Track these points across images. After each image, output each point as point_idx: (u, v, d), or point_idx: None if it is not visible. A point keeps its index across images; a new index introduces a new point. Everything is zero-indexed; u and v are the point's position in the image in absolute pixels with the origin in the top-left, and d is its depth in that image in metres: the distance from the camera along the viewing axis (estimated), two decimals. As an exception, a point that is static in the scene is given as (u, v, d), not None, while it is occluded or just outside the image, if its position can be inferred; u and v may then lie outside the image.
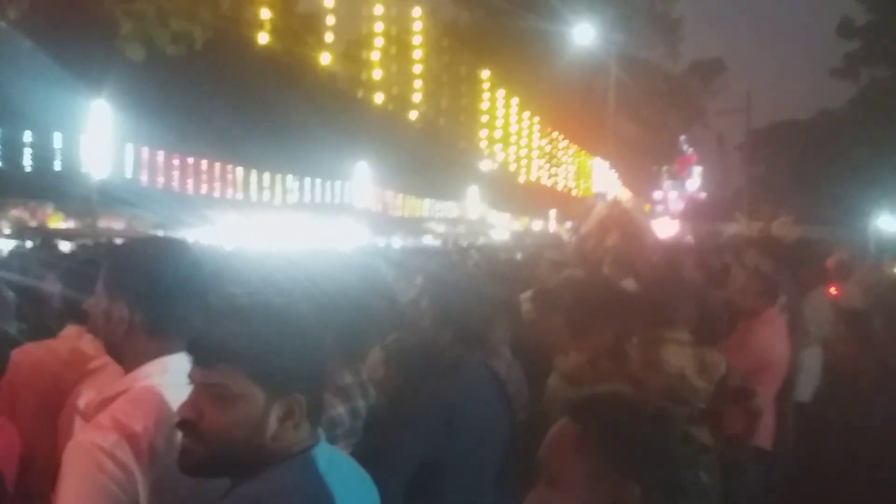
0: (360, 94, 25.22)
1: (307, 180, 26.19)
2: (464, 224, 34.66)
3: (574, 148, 42.63)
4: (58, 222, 19.51)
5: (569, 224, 14.42)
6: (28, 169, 17.96)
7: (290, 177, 25.40)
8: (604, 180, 32.81)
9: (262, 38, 19.00)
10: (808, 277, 5.99)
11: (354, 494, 1.50)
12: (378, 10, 24.30)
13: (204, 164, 22.48)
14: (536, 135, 38.37)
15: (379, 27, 24.65)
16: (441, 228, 32.86)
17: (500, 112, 34.26)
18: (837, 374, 4.33)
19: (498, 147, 34.45)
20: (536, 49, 33.24)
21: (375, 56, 24.64)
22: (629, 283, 4.82)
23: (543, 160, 39.95)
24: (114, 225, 19.79)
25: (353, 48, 25.29)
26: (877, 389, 3.40)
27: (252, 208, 23.06)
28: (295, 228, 20.65)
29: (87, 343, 2.34)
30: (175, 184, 21.66)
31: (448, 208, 35.88)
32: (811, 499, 3.70)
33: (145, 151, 20.41)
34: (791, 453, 4.33)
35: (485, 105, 33.32)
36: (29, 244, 13.83)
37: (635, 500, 1.24)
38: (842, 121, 32.29)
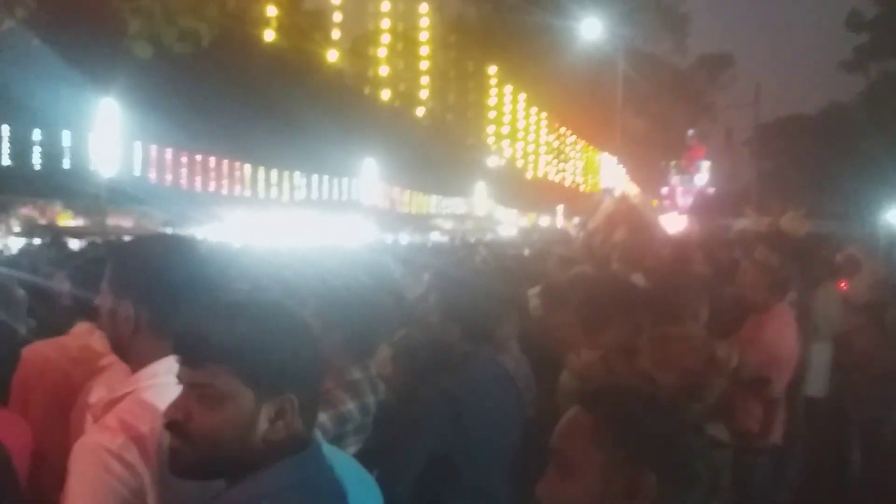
0: (366, 90, 25.26)
1: (315, 177, 26.23)
2: (471, 220, 34.62)
3: (582, 143, 42.60)
4: (67, 220, 19.58)
5: (576, 220, 14.40)
6: (37, 167, 18.05)
7: (297, 174, 25.44)
8: (612, 176, 32.76)
9: (269, 35, 19.07)
10: (818, 272, 5.97)
11: (353, 496, 1.45)
12: (385, 6, 24.34)
13: (212, 161, 22.55)
14: (544, 130, 38.37)
15: (386, 24, 24.69)
16: (448, 225, 32.82)
17: (508, 108, 34.27)
18: (855, 367, 4.30)
19: (505, 143, 34.46)
20: (544, 44, 33.18)
21: (382, 53, 24.70)
22: (637, 279, 4.81)
23: (551, 156, 39.94)
24: (123, 222, 19.85)
25: (359, 45, 25.33)
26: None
27: (260, 205, 23.12)
28: (303, 225, 20.69)
29: (98, 340, 2.34)
30: (183, 181, 21.74)
31: (455, 204, 35.85)
32: (827, 492, 3.69)
33: (153, 149, 20.49)
34: (802, 448, 4.32)
35: (492, 101, 33.32)
36: (38, 242, 13.89)
37: (650, 490, 1.25)
38: (851, 114, 32.12)
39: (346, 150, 23.66)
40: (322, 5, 23.24)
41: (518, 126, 35.69)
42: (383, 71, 24.69)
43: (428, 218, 33.05)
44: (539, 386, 3.31)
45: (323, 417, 2.28)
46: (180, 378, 1.38)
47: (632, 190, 22.42)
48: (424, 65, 26.86)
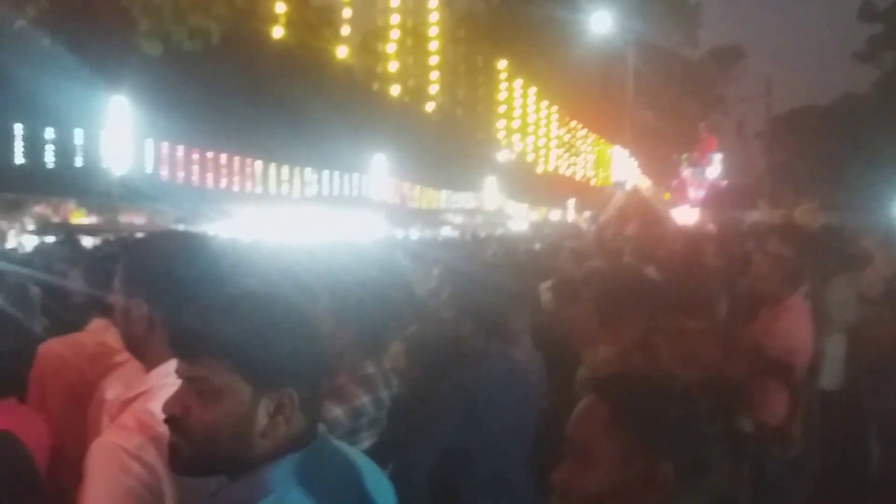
0: (376, 86, 25.25)
1: (325, 173, 26.26)
2: (481, 215, 34.59)
3: (593, 137, 42.46)
4: (80, 218, 19.70)
5: (588, 213, 14.36)
6: (50, 165, 18.14)
7: (308, 170, 25.48)
8: (623, 169, 32.60)
9: (278, 31, 19.09)
10: (832, 264, 5.93)
11: (363, 493, 1.43)
12: (394, 1, 24.32)
13: (223, 158, 22.61)
14: (554, 124, 38.27)
15: (395, 19, 24.66)
16: (459, 220, 32.81)
17: (518, 102, 34.19)
18: (870, 359, 4.27)
19: (516, 137, 34.39)
20: (553, 38, 33.07)
21: (391, 48, 24.67)
22: (650, 272, 4.80)
23: (562, 150, 39.84)
24: (135, 220, 19.96)
25: (369, 40, 25.30)
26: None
27: (271, 201, 23.18)
28: (314, 221, 20.74)
29: (114, 337, 2.34)
30: (195, 178, 21.81)
31: (466, 199, 35.82)
32: (846, 483, 3.68)
33: (165, 146, 20.56)
34: (817, 440, 4.31)
35: (502, 95, 33.26)
36: (52, 240, 13.98)
37: (667, 478, 1.25)
38: (864, 105, 31.83)
39: (356, 145, 23.67)
40: (331, 1, 23.25)
41: (528, 120, 35.61)
42: (393, 66, 24.67)
43: (438, 213, 33.04)
44: (551, 379, 3.32)
45: (337, 412, 2.30)
46: (178, 373, 1.37)
47: (643, 183, 22.32)
48: (434, 60, 26.82)
